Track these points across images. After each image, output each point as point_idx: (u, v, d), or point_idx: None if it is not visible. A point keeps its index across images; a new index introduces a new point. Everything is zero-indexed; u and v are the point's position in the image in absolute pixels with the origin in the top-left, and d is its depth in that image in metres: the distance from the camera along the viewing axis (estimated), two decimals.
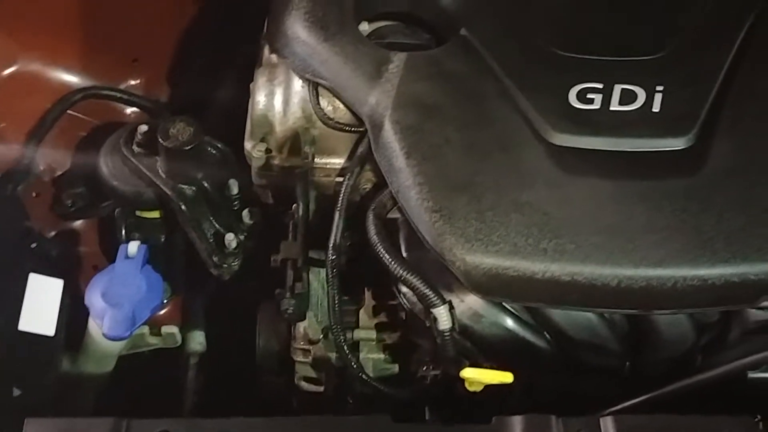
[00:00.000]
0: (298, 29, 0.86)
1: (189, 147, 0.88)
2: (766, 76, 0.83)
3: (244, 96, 0.93)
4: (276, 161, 0.91)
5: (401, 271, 0.78)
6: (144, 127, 0.94)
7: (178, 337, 0.99)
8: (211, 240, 0.94)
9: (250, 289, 0.99)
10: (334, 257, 0.82)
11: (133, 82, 1.15)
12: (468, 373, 0.78)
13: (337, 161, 0.90)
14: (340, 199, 0.83)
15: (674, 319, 0.83)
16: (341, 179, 0.88)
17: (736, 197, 0.76)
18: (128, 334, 0.85)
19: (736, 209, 0.76)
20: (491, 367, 0.80)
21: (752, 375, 0.84)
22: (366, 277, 0.90)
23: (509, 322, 0.83)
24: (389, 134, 0.80)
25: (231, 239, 0.94)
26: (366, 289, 0.91)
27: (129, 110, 1.13)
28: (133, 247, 0.88)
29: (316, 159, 0.90)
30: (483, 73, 0.82)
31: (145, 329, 0.94)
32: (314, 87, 0.88)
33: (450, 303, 0.79)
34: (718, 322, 0.84)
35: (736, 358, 0.81)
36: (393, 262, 0.79)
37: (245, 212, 0.97)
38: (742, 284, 0.74)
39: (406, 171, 0.78)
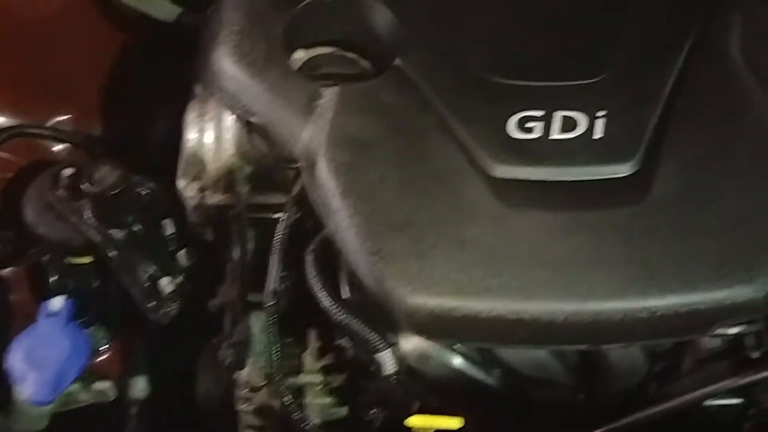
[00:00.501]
0: (226, 64, 0.82)
1: (116, 191, 0.84)
2: (708, 96, 0.81)
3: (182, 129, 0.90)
4: (211, 200, 0.87)
5: (341, 317, 0.76)
6: (69, 171, 0.89)
7: (111, 393, 0.94)
8: (147, 284, 0.90)
9: (193, 330, 0.95)
10: (272, 303, 0.79)
11: (62, 118, 1.10)
12: (414, 420, 0.75)
13: (275, 199, 0.87)
14: (276, 242, 0.80)
15: (626, 350, 0.81)
16: (280, 216, 0.85)
17: (683, 224, 0.74)
18: (53, 398, 0.80)
19: (682, 237, 0.74)
20: (440, 411, 0.78)
21: (708, 402, 0.82)
22: (311, 316, 0.87)
23: (457, 362, 0.81)
24: (323, 173, 0.76)
25: (166, 283, 0.89)
26: (311, 329, 0.88)
27: (59, 148, 1.09)
28: (57, 303, 0.83)
29: (252, 197, 0.88)
30: (419, 105, 0.79)
31: (76, 386, 0.89)
32: (246, 123, 0.85)
33: (394, 346, 0.77)
34: (670, 350, 0.82)
35: (690, 386, 0.80)
36: (332, 307, 0.76)
37: (182, 253, 0.93)
38: (692, 314, 0.72)
39: (342, 211, 0.74)
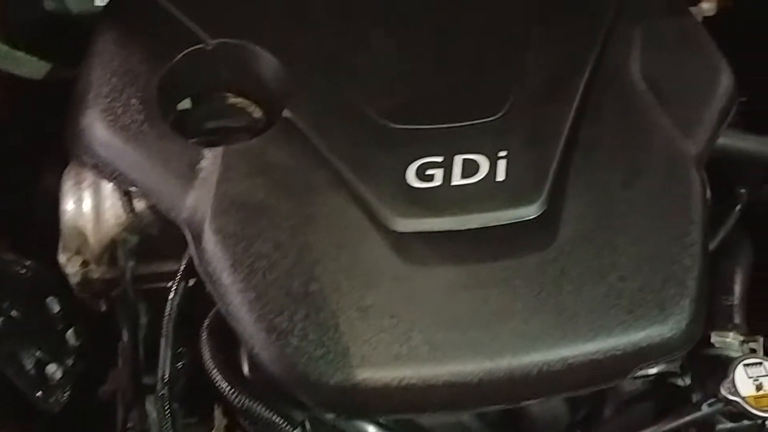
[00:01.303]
0: (97, 129, 0.75)
1: None
2: (611, 124, 0.78)
3: None
4: (96, 275, 0.81)
5: (242, 401, 0.70)
6: None
7: None
8: (32, 372, 0.82)
9: (91, 414, 0.88)
10: (164, 392, 0.72)
11: None
12: None
13: (169, 266, 0.80)
14: (165, 323, 0.73)
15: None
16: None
17: (593, 266, 0.71)
18: None
19: (594, 280, 0.70)
20: None
21: None
22: (215, 391, 0.80)
23: (372, 431, 0.77)
24: (211, 245, 0.70)
25: (54, 370, 0.81)
26: (216, 405, 0.81)
27: None
28: None
29: (142, 267, 0.81)
30: (311, 161, 0.74)
31: None
32: (126, 191, 0.79)
33: (303, 425, 0.71)
34: (593, 395, 0.79)
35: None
36: (231, 391, 0.70)
37: (70, 332, 0.85)
38: (610, 360, 0.69)
39: (234, 287, 0.68)
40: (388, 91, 0.79)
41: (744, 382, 0.70)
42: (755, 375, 0.70)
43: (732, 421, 0.75)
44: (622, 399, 0.79)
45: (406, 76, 0.80)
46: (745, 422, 0.74)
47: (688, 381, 0.78)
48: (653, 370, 0.75)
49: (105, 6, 0.88)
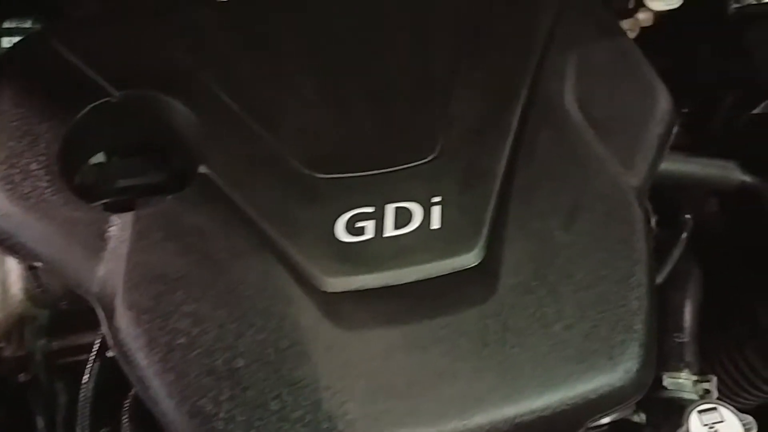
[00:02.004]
0: None
1: None
2: (548, 160, 0.74)
3: None
4: (7, 353, 0.74)
5: None
6: None
7: None
8: None
9: None
10: None
11: None
12: None
13: (85, 339, 0.75)
14: (81, 408, 0.67)
15: None
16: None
17: (536, 316, 0.67)
18: None
19: (539, 331, 0.67)
20: None
21: None
22: None
23: None
24: (124, 322, 0.64)
25: None
26: None
27: None
28: None
29: (57, 341, 0.75)
30: (231, 221, 0.69)
31: None
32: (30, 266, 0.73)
33: None
34: None
35: None
36: None
37: None
38: (560, 416, 0.65)
39: (151, 368, 0.63)
40: (311, 139, 0.74)
41: (699, 430, 0.67)
42: (710, 422, 0.67)
43: None
44: None
45: (329, 123, 0.75)
46: None
47: (642, 417, 0.76)
48: (606, 419, 0.72)
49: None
